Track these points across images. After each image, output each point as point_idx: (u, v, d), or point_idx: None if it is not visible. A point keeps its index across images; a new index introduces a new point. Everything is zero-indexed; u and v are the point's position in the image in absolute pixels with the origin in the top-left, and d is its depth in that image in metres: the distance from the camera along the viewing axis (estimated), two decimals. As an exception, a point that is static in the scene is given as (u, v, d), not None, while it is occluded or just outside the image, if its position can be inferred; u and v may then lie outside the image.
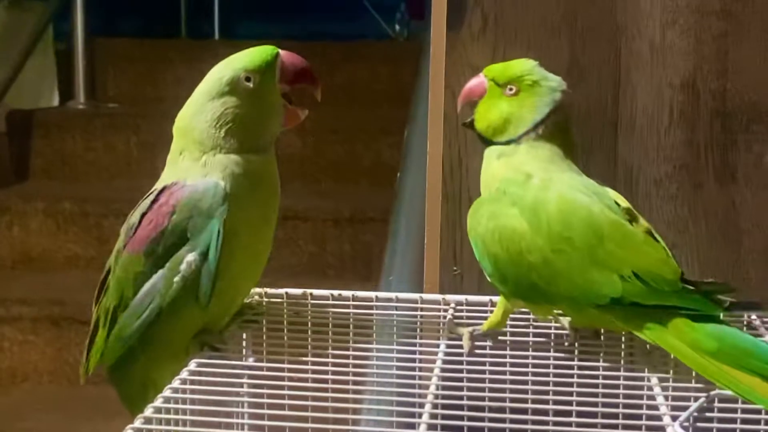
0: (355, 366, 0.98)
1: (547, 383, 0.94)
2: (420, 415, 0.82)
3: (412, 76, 2.16)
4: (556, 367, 0.95)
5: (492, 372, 0.95)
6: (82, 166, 3.19)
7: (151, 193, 0.98)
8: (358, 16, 4.52)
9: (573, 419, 0.84)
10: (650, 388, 0.90)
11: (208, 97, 0.96)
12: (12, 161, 3.21)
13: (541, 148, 0.97)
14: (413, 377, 0.97)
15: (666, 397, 0.88)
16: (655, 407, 0.87)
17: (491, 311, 1.01)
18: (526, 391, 0.94)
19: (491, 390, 0.94)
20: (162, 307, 0.95)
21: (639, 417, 0.90)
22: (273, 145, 1.00)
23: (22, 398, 2.57)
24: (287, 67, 0.97)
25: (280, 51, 0.98)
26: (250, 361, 1.01)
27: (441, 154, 1.14)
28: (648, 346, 0.93)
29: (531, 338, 1.01)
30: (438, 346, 0.98)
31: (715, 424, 0.87)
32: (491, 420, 0.89)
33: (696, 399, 0.87)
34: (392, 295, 1.07)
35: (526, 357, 0.98)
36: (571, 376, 0.94)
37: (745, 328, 0.95)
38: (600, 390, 0.91)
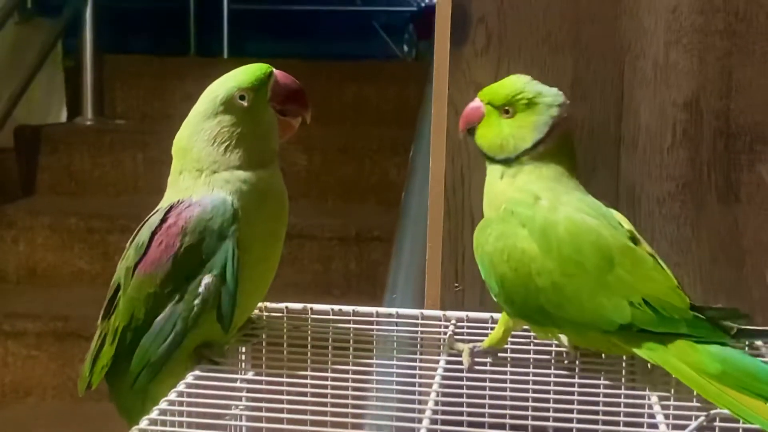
0: (354, 381, 0.98)
1: (547, 401, 0.93)
2: (419, 431, 0.81)
3: (419, 95, 2.17)
4: (556, 384, 0.95)
5: (492, 389, 0.95)
6: (89, 182, 3.20)
7: (158, 210, 0.97)
8: (367, 36, 4.54)
9: (573, 437, 0.84)
10: (651, 407, 0.90)
11: (203, 116, 0.97)
12: (19, 176, 3.23)
13: (545, 167, 0.96)
14: (413, 393, 0.97)
15: (666, 416, 0.88)
16: (656, 426, 0.86)
17: (492, 328, 1.01)
18: (526, 408, 0.93)
19: (491, 407, 0.93)
20: (186, 331, 0.95)
21: (639, 436, 0.89)
22: (276, 159, 1.00)
23: (25, 413, 2.57)
24: (280, 87, 0.98)
25: (274, 70, 0.98)
26: (249, 375, 1.01)
27: (443, 170, 1.14)
28: (649, 365, 0.92)
29: (532, 355, 1.01)
30: (438, 362, 0.98)
31: (715, 444, 0.86)
32: (491, 437, 0.88)
33: (696, 418, 0.86)
34: (393, 310, 1.06)
35: (527, 374, 0.97)
36: (572, 393, 0.93)
37: (747, 349, 0.95)
38: (600, 408, 0.90)
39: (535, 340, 1.01)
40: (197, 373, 0.92)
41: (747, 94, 1.10)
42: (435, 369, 0.96)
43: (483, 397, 0.94)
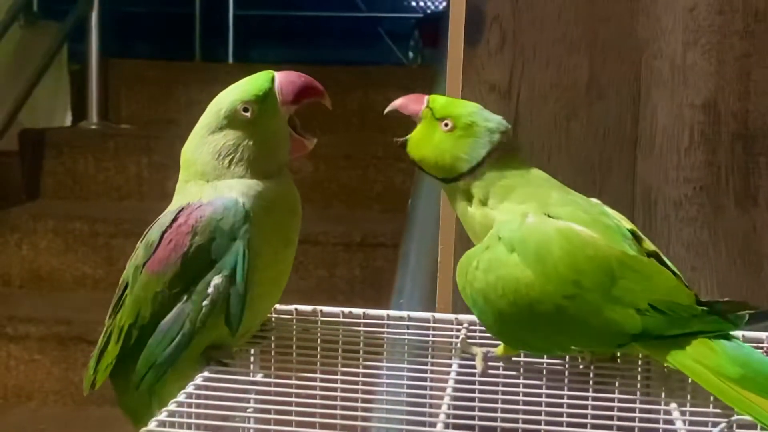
0: (364, 384, 0.97)
1: (561, 405, 0.92)
2: (431, 436, 0.80)
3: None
4: (570, 389, 0.93)
5: (505, 393, 0.93)
6: (93, 186, 3.19)
7: (168, 212, 0.96)
8: (372, 42, 4.54)
9: (588, 443, 0.83)
10: (667, 413, 0.88)
11: (207, 130, 0.96)
12: (23, 180, 3.22)
13: (507, 177, 0.92)
14: (424, 396, 0.95)
15: (684, 422, 0.86)
16: (673, 432, 0.85)
17: (504, 332, 0.99)
18: (539, 413, 0.91)
19: (504, 411, 0.92)
20: (194, 332, 0.93)
21: (656, 443, 0.88)
22: (285, 169, 0.98)
23: (27, 417, 2.56)
24: (286, 88, 0.95)
25: (276, 73, 0.96)
26: (258, 377, 1.00)
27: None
28: (666, 369, 0.91)
29: (545, 360, 0.99)
30: (450, 366, 0.96)
31: (735, 451, 0.85)
32: (504, 442, 0.87)
33: (714, 425, 0.84)
34: (404, 313, 1.05)
35: (540, 379, 0.96)
36: (586, 399, 0.91)
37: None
38: (615, 413, 0.89)
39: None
40: (206, 374, 0.91)
41: (765, 95, 1.09)
42: (446, 373, 0.95)
43: (495, 401, 0.93)
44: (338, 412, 0.88)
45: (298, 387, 0.93)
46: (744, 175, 1.10)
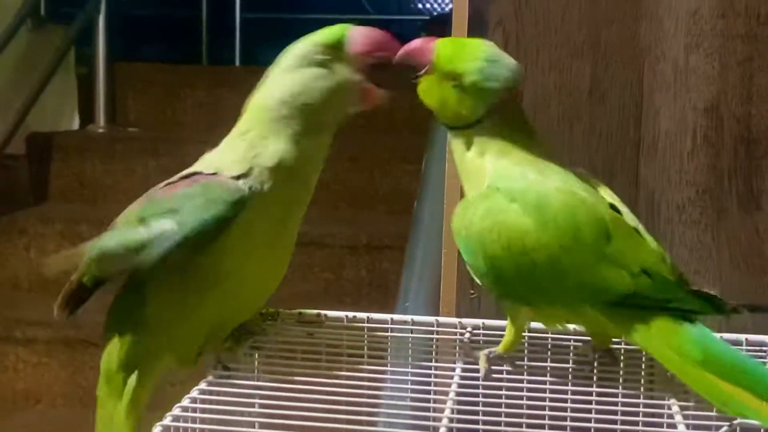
0: (369, 389, 0.97)
1: (564, 409, 0.92)
2: (435, 439, 0.80)
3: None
4: (574, 393, 0.94)
5: (508, 396, 0.94)
6: (101, 190, 3.20)
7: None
8: (379, 44, 4.53)
9: (591, 445, 0.83)
10: (671, 416, 0.89)
11: (283, 71, 0.96)
12: (31, 183, 3.23)
13: (506, 136, 0.92)
14: (428, 401, 0.96)
15: (687, 426, 0.86)
16: (676, 435, 0.85)
17: (509, 336, 1.00)
18: (543, 417, 0.92)
19: (507, 415, 0.92)
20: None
21: (659, 445, 0.88)
22: (335, 128, 0.98)
23: (35, 420, 2.57)
24: (359, 39, 0.96)
25: (351, 27, 0.97)
26: (263, 382, 1.00)
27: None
28: (668, 374, 0.91)
29: (549, 363, 0.99)
30: (454, 369, 0.97)
31: (737, 454, 0.85)
32: (507, 445, 0.87)
33: (717, 428, 0.85)
34: (408, 317, 1.05)
35: (544, 382, 0.96)
36: (590, 402, 0.91)
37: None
38: (619, 417, 0.89)
39: (552, 348, 1.00)
40: (211, 379, 0.92)
41: (768, 99, 1.09)
42: (450, 377, 0.95)
43: (499, 405, 0.93)
44: (343, 416, 0.88)
45: (302, 391, 0.93)
46: (747, 179, 1.10)
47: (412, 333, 1.05)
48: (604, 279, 0.88)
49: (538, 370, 0.98)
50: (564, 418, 0.92)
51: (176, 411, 0.84)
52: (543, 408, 0.92)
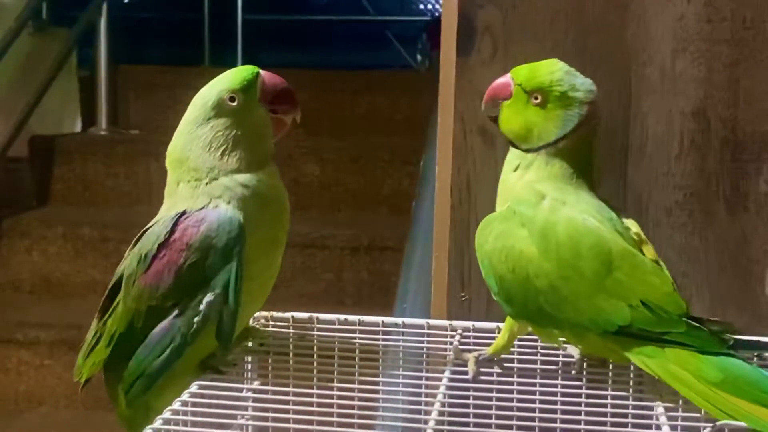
0: (360, 391, 0.98)
1: (554, 411, 0.93)
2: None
3: (432, 105, 2.17)
4: (564, 395, 0.94)
5: (499, 399, 0.94)
6: (103, 192, 3.21)
7: (160, 220, 0.97)
8: (381, 46, 4.55)
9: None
10: (659, 418, 0.89)
11: (195, 124, 0.96)
12: (33, 186, 3.25)
13: (559, 164, 0.95)
14: (419, 403, 0.97)
15: (675, 428, 0.87)
16: (663, 437, 0.86)
17: (499, 338, 1.01)
18: (533, 419, 0.93)
19: (498, 417, 0.93)
20: (184, 346, 0.94)
21: (648, 447, 0.89)
22: (272, 161, 0.99)
23: (38, 422, 2.58)
24: (267, 88, 0.97)
25: (260, 71, 0.98)
26: (255, 385, 1.01)
27: (449, 180, 1.14)
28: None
29: (539, 365, 1.00)
30: (443, 372, 0.98)
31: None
32: (497, 447, 0.88)
33: (704, 429, 0.86)
34: (398, 320, 1.06)
35: (534, 384, 0.97)
36: (579, 404, 0.92)
37: (755, 359, 0.94)
38: (608, 419, 0.90)
39: (542, 350, 1.01)
40: (202, 382, 0.92)
41: (754, 102, 1.10)
42: (441, 379, 0.96)
43: (490, 407, 0.94)
44: (335, 419, 0.89)
45: (295, 394, 0.94)
46: (734, 182, 1.11)
47: (403, 335, 1.06)
48: (602, 309, 0.90)
49: (528, 372, 0.99)
50: (554, 420, 0.93)
51: (167, 414, 0.84)
52: (533, 411, 0.93)
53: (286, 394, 0.94)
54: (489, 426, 0.93)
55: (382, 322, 1.05)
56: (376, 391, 1.00)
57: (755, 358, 0.94)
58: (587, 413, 0.91)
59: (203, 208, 0.95)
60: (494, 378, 0.98)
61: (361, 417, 0.94)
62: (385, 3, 4.64)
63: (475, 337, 1.05)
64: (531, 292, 0.92)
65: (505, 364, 0.99)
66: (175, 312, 0.94)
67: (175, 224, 0.95)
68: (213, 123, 0.96)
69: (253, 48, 4.42)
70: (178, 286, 0.94)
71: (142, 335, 0.95)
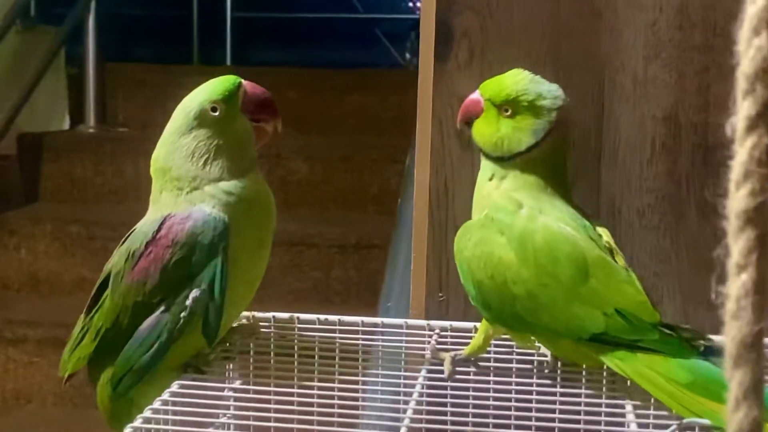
0: (340, 390, 0.99)
1: (530, 410, 0.95)
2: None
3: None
4: (539, 393, 0.96)
5: (475, 398, 0.96)
6: (91, 190, 3.21)
7: (148, 222, 0.99)
8: (370, 44, 4.54)
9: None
10: (629, 416, 0.91)
11: (178, 134, 0.98)
12: (21, 184, 3.24)
13: (533, 172, 0.97)
14: (398, 402, 0.98)
15: (645, 425, 0.89)
16: (633, 434, 0.88)
17: (475, 337, 1.02)
18: (509, 417, 0.94)
19: (474, 416, 0.95)
20: (171, 341, 0.96)
21: (619, 444, 0.91)
22: (256, 166, 1.01)
23: (26, 420, 2.57)
24: (249, 98, 0.99)
25: (243, 81, 1.00)
26: (236, 384, 1.02)
27: (428, 182, 1.15)
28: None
29: (514, 365, 1.02)
30: (420, 371, 0.99)
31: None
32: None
33: (667, 427, 0.88)
34: (378, 320, 1.08)
35: (509, 383, 0.98)
36: (554, 402, 0.94)
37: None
38: (582, 417, 0.92)
39: (518, 350, 1.03)
40: (183, 381, 0.94)
41: (724, 108, 1.11)
42: (418, 378, 0.98)
43: (467, 406, 0.96)
44: (315, 418, 0.90)
45: (276, 393, 0.96)
46: (704, 185, 1.13)
47: (382, 335, 1.07)
48: (577, 316, 0.92)
49: (503, 371, 1.01)
50: (529, 419, 0.95)
51: (147, 413, 0.86)
52: (509, 409, 0.95)
53: (267, 393, 0.96)
54: (466, 424, 0.95)
55: (362, 321, 1.07)
56: (356, 390, 1.02)
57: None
58: (561, 411, 0.93)
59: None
60: (471, 377, 1.00)
61: (341, 416, 0.96)
62: (375, 1, 4.63)
63: (452, 337, 1.06)
64: (508, 297, 0.94)
65: (481, 364, 1.01)
66: (162, 308, 0.96)
67: (162, 223, 0.97)
68: (195, 133, 0.97)
69: (242, 46, 4.41)
70: (164, 282, 0.96)
71: (127, 331, 0.97)
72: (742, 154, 0.43)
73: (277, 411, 0.90)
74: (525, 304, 0.93)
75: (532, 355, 1.02)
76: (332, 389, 0.99)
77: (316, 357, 1.05)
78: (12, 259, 2.92)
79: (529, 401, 0.96)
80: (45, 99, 3.41)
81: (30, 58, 3.31)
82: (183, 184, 0.97)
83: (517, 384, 0.98)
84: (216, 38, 4.39)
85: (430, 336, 1.06)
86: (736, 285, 0.43)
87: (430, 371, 0.99)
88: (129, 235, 1.00)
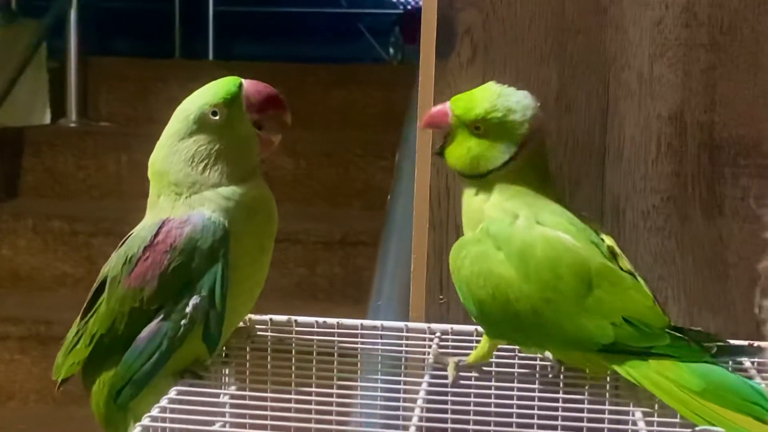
0: (339, 396, 0.98)
1: (532, 416, 0.94)
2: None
3: (405, 99, 2.17)
4: (541, 399, 0.95)
5: (477, 404, 0.95)
6: (73, 185, 3.19)
7: (147, 226, 0.96)
8: (353, 39, 4.54)
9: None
10: (635, 423, 0.90)
11: (177, 137, 0.95)
12: (2, 178, 3.21)
13: (520, 181, 0.95)
14: (397, 408, 0.97)
15: (649, 432, 0.88)
16: (640, 442, 0.87)
17: (477, 341, 1.01)
18: (510, 424, 0.93)
19: (476, 423, 0.93)
20: (171, 350, 0.94)
21: (624, 451, 0.89)
22: (259, 172, 0.99)
23: (7, 417, 2.56)
24: (253, 96, 0.96)
25: (243, 81, 0.97)
26: (233, 389, 1.01)
27: (428, 182, 1.14)
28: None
29: (516, 369, 1.01)
30: (423, 376, 0.98)
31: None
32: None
33: (680, 434, 0.87)
34: (378, 323, 1.06)
35: (512, 389, 0.97)
36: (556, 409, 0.93)
37: (730, 363, 0.95)
38: (585, 424, 0.91)
39: (520, 354, 1.01)
40: (180, 387, 0.92)
41: (731, 107, 1.10)
42: (420, 383, 0.96)
43: (468, 413, 0.94)
44: (313, 426, 0.89)
45: (273, 399, 0.94)
46: (710, 186, 1.11)
47: (381, 338, 1.06)
48: (585, 329, 0.90)
49: (505, 376, 0.99)
50: (531, 426, 0.93)
51: (145, 421, 0.84)
52: (511, 416, 0.94)
53: (264, 399, 0.94)
54: (467, 431, 0.93)
55: (361, 324, 1.06)
56: (355, 396, 1.00)
57: (730, 362, 0.95)
58: (564, 418, 0.92)
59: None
60: (472, 382, 0.98)
61: (339, 423, 0.94)
62: (358, -5, 4.63)
63: (453, 340, 1.05)
64: (512, 315, 0.92)
65: (484, 368, 0.99)
66: (161, 315, 0.93)
67: (160, 228, 0.94)
68: (195, 137, 0.95)
69: (225, 40, 4.39)
70: (163, 288, 0.93)
71: (124, 337, 0.95)
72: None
73: (273, 418, 0.88)
74: (530, 320, 0.91)
75: (534, 359, 1.01)
76: (330, 395, 0.97)
77: (314, 361, 1.03)
78: (-7, 256, 2.90)
79: (532, 407, 0.95)
80: (26, 93, 3.37)
81: (11, 52, 3.29)
82: (182, 188, 0.95)
83: (519, 390, 0.97)
84: (198, 32, 4.36)
85: (431, 339, 1.04)
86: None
87: (432, 376, 0.97)
88: (126, 239, 0.97)
